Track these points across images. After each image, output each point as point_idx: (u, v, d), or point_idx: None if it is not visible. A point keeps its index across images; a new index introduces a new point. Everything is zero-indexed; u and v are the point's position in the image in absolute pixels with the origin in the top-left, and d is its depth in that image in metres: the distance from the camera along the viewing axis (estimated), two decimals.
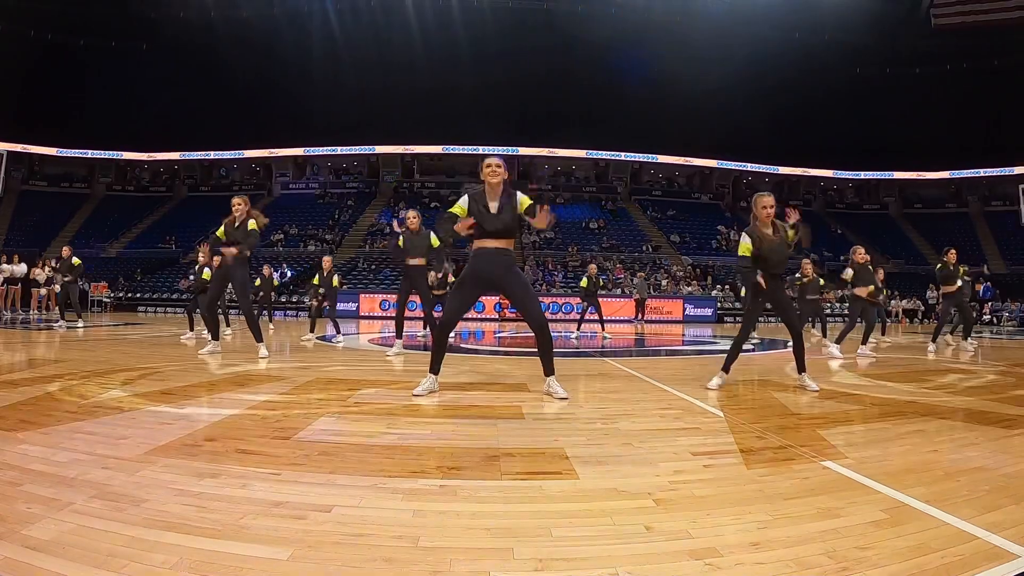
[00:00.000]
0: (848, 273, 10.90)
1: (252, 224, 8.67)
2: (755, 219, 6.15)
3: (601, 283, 16.05)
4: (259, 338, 8.78)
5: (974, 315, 13.41)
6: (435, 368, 5.58)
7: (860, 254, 10.90)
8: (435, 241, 9.27)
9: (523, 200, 5.48)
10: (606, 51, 41.13)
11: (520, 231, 5.59)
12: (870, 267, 11.06)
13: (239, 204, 8.71)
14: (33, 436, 3.56)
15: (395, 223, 9.60)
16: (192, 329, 12.73)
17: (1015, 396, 5.93)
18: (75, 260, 15.09)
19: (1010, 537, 2.27)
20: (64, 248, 15.61)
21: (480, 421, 4.39)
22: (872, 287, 10.91)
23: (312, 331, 13.08)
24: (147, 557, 2.00)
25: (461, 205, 5.52)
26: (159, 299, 31.73)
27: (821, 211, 49.10)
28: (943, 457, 3.54)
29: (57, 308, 16.89)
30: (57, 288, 17.16)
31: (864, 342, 11.09)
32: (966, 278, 13.69)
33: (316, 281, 13.48)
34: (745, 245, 6.08)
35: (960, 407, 5.31)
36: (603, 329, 15.67)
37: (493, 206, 5.44)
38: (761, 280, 5.97)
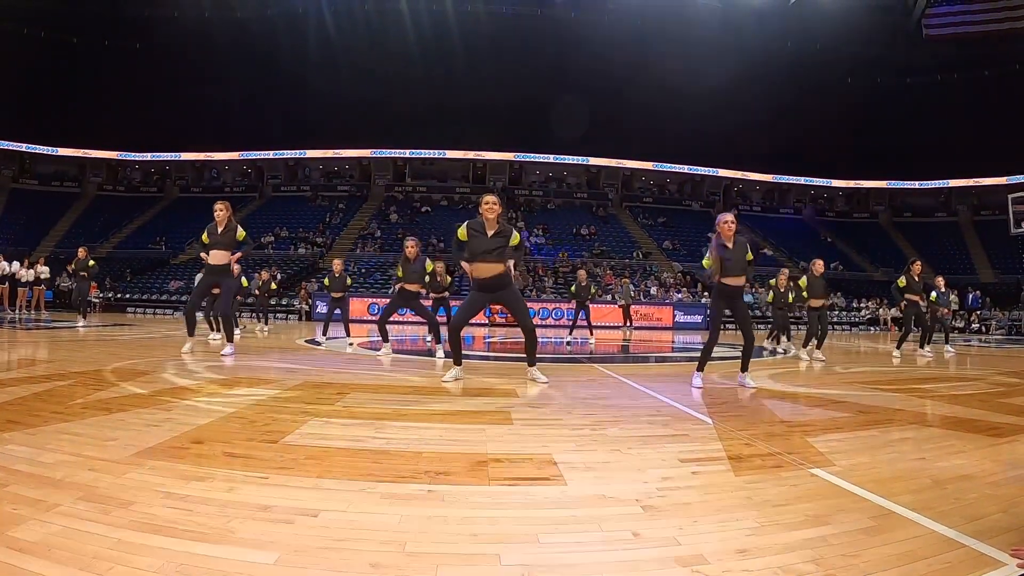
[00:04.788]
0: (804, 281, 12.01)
1: (241, 233, 9.10)
2: (718, 235, 6.82)
3: (593, 290, 15.96)
4: (230, 338, 9.30)
5: (932, 324, 13.70)
6: (458, 361, 6.87)
7: (818, 266, 11.87)
8: (429, 266, 10.27)
9: (515, 237, 6.64)
10: (599, 58, 41.21)
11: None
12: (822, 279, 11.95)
13: (221, 210, 8.99)
14: (19, 437, 3.53)
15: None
16: (212, 329, 12.77)
17: (1003, 404, 5.96)
18: (91, 262, 15.39)
19: (997, 545, 2.28)
20: (80, 249, 15.75)
21: (468, 426, 4.38)
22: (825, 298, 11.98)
23: (349, 335, 12.60)
24: (133, 560, 2.00)
25: (462, 229, 6.62)
26: (149, 300, 31.57)
27: (811, 219, 49.30)
28: (931, 465, 3.55)
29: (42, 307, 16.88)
30: (44, 288, 17.19)
31: (819, 346, 11.58)
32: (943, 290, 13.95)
33: (327, 283, 12.91)
34: (706, 260, 6.93)
35: (948, 415, 5.34)
36: (592, 335, 15.62)
37: (489, 233, 6.53)
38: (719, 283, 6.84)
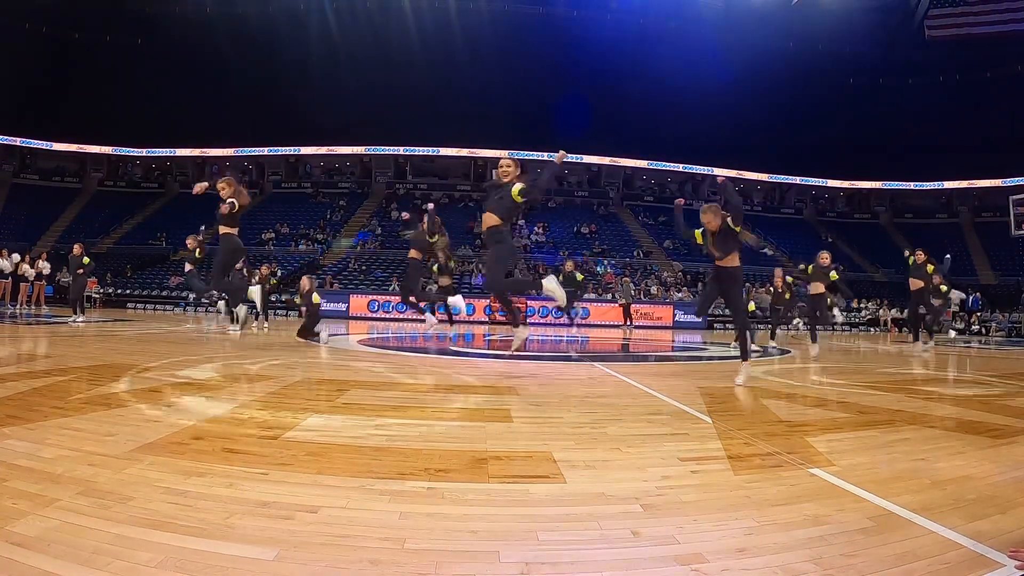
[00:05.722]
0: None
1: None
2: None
3: (579, 277, 15.88)
4: (234, 310, 9.12)
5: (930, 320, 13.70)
6: (516, 323, 8.12)
7: (824, 258, 12.02)
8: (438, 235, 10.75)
9: (514, 192, 6.81)
10: (601, 57, 41.15)
11: (515, 215, 7.03)
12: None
13: (223, 187, 9.09)
14: (19, 431, 3.53)
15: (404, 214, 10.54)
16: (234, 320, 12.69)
17: (1003, 406, 5.96)
18: (85, 258, 15.40)
19: (995, 546, 2.27)
20: (76, 245, 15.75)
21: (468, 423, 4.39)
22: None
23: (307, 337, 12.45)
24: (132, 555, 2.00)
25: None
26: (149, 296, 31.60)
27: (812, 219, 49.34)
28: (930, 465, 3.55)
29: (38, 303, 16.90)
30: (45, 284, 17.23)
31: (813, 340, 11.94)
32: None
33: (299, 301, 12.53)
34: (697, 232, 7.31)
35: (948, 416, 5.34)
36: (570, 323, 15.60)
37: (495, 189, 7.05)
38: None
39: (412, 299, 11.28)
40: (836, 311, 15.18)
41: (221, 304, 16.28)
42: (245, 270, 15.28)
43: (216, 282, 9.31)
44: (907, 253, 13.12)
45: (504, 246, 7.23)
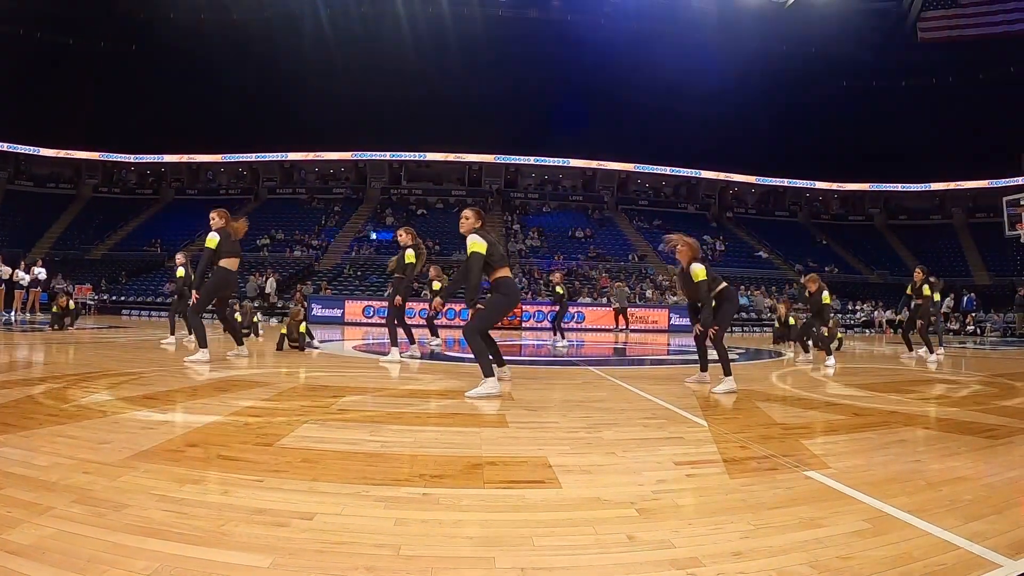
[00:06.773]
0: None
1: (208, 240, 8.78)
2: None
3: (559, 291, 15.85)
4: (202, 343, 8.52)
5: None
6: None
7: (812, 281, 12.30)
8: (408, 256, 9.91)
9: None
10: (595, 61, 41.15)
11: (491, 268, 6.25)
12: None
13: (213, 217, 8.85)
14: (14, 439, 3.53)
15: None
16: (173, 334, 12.51)
17: (997, 406, 5.97)
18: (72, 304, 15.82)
19: (991, 546, 2.28)
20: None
21: (464, 429, 4.38)
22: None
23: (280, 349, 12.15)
24: (128, 563, 1.99)
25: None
26: (144, 302, 31.48)
27: (806, 222, 49.40)
28: (926, 467, 3.56)
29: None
30: (40, 291, 17.31)
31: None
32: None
33: (284, 331, 12.04)
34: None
35: (943, 417, 5.35)
36: (555, 334, 15.39)
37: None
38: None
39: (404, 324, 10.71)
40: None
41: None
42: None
43: (195, 312, 8.92)
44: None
45: (499, 299, 6.38)
